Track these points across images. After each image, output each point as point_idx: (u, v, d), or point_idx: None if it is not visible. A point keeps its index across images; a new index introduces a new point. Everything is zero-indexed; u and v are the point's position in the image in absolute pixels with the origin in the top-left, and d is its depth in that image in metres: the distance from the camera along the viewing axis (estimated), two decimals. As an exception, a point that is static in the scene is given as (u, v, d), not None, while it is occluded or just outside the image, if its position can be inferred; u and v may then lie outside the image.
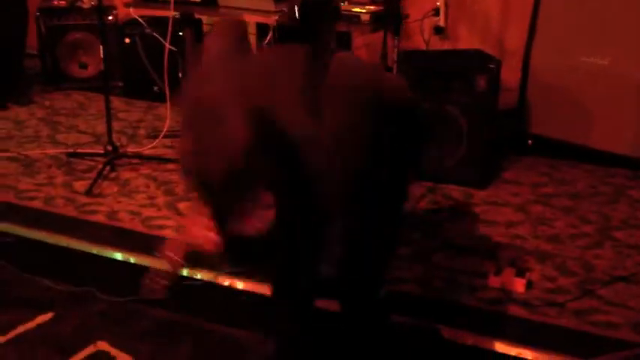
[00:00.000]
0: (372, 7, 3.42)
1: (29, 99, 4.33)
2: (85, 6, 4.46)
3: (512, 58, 3.72)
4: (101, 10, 3.38)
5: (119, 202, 3.06)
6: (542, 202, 3.14)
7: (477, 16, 4.05)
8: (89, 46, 4.50)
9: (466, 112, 3.16)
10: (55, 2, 4.53)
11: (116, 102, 4.20)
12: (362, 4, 3.47)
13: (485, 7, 4.01)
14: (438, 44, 4.05)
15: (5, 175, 3.31)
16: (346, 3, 3.49)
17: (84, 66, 4.57)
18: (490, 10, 4.00)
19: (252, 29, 3.90)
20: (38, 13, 4.44)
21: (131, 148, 3.60)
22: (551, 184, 3.33)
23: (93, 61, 4.52)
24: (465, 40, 4.05)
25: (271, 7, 3.23)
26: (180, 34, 3.79)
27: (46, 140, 3.74)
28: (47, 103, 4.32)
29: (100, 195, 3.12)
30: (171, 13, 3.38)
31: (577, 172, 3.45)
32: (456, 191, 3.19)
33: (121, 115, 4.12)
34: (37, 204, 3.03)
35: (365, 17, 3.33)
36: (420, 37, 3.92)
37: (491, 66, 3.18)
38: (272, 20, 3.21)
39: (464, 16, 4.07)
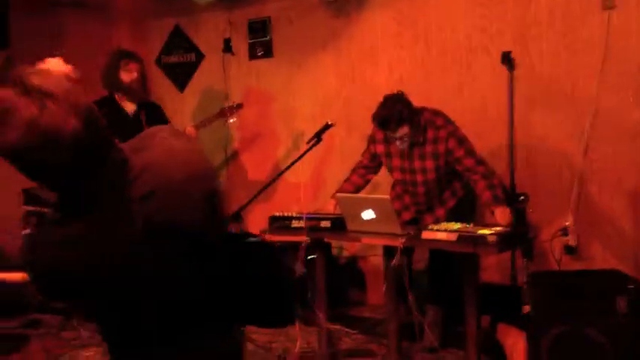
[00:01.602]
0: (498, 229, 3.44)
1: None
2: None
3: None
4: (240, 236, 3.63)
5: None
6: None
7: (610, 235, 3.96)
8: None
9: (608, 336, 2.98)
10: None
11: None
12: (488, 226, 3.51)
13: (619, 225, 3.93)
14: (570, 264, 3.95)
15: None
16: (472, 225, 3.55)
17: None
18: (624, 228, 3.91)
19: (379, 251, 4.02)
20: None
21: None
22: None
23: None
24: (600, 259, 3.93)
25: (398, 230, 3.35)
26: (310, 257, 3.95)
27: None
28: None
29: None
30: (304, 239, 3.57)
31: None
32: None
33: (253, 336, 4.20)
34: None
35: (491, 239, 3.34)
36: (551, 257, 3.86)
37: (631, 286, 3.04)
38: (399, 243, 3.30)
39: (597, 235, 3.99)
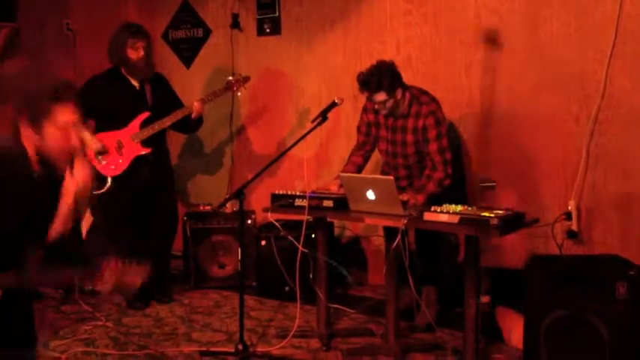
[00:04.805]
0: (500, 212, 3.41)
1: (170, 298, 4.58)
2: (228, 211, 4.81)
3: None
4: (242, 214, 3.65)
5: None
6: None
7: (613, 221, 3.93)
8: (228, 248, 4.83)
9: (606, 322, 2.97)
10: (201, 208, 4.98)
11: (249, 300, 4.35)
12: (490, 209, 3.48)
13: (623, 211, 3.89)
14: (571, 249, 3.93)
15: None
16: (474, 208, 3.53)
17: (222, 266, 4.86)
18: (628, 214, 3.88)
19: (381, 232, 4.01)
20: (185, 218, 4.86)
21: (261, 348, 3.66)
22: None
23: (231, 261, 4.82)
24: (602, 245, 3.90)
25: (400, 211, 3.33)
26: (313, 236, 3.96)
27: (182, 338, 3.88)
28: (186, 301, 4.55)
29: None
30: (305, 218, 3.56)
31: None
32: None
33: (252, 313, 4.23)
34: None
35: (493, 222, 3.32)
36: (552, 241, 3.84)
37: (632, 273, 3.02)
38: (400, 224, 3.29)
39: (600, 220, 3.96)
